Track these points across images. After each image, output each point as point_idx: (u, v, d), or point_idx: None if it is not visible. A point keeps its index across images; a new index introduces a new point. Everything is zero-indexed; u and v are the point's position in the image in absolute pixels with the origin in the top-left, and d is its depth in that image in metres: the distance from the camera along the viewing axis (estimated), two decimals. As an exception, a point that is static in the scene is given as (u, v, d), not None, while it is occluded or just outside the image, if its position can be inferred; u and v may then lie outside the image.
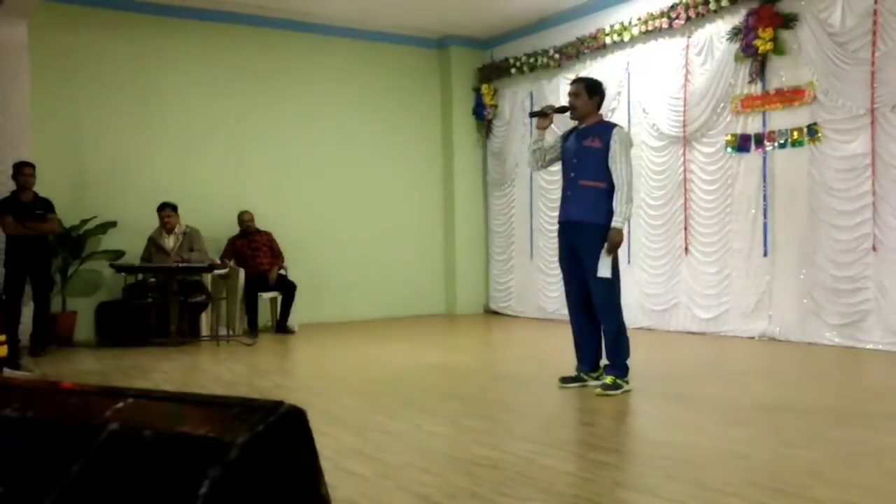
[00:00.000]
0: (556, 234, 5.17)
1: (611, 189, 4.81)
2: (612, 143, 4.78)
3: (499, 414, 4.39)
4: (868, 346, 6.24)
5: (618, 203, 4.75)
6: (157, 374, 5.88)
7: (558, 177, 8.68)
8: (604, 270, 4.73)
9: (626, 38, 8.22)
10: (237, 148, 8.95)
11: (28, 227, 6.83)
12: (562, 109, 5.09)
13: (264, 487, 0.90)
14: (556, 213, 5.12)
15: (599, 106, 5.01)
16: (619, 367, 4.81)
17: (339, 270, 9.50)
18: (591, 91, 4.93)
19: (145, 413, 0.96)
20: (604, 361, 4.96)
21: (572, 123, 5.08)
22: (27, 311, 7.02)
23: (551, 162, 5.18)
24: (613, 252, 4.76)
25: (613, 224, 4.73)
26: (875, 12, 6.20)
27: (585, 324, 4.97)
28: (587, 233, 4.80)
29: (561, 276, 5.17)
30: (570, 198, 4.91)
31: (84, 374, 6.03)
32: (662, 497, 2.78)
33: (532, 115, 5.19)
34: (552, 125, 5.20)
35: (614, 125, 4.99)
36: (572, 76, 8.82)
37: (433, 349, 7.11)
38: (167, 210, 7.82)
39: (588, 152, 4.84)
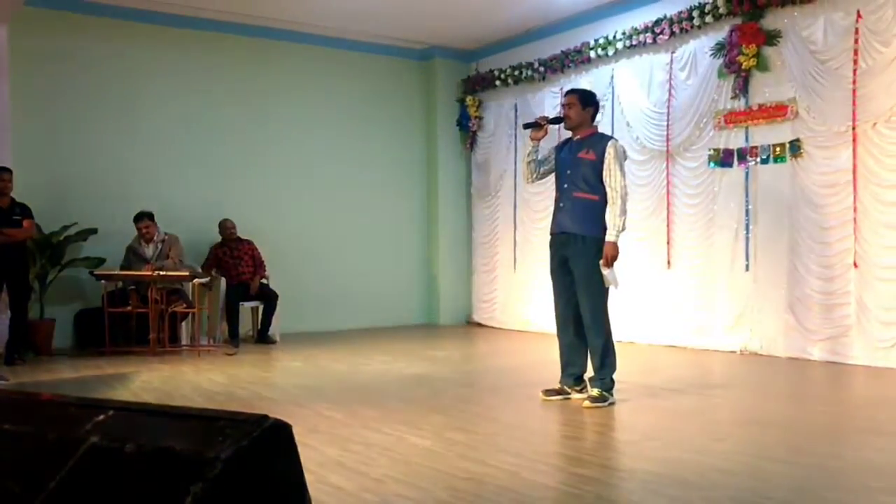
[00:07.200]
0: (540, 245, 5.17)
1: (604, 201, 4.82)
2: (606, 155, 4.78)
3: (482, 427, 4.37)
4: (849, 362, 6.27)
5: (611, 216, 4.76)
6: (137, 384, 5.81)
7: (542, 188, 8.81)
8: (611, 282, 4.77)
9: (611, 52, 8.27)
10: (219, 156, 8.90)
11: (2, 233, 6.73)
12: (556, 120, 5.09)
13: (248, 503, 0.88)
14: (541, 225, 5.12)
15: (594, 117, 5.02)
16: (606, 381, 4.81)
17: (321, 280, 9.46)
18: (584, 102, 4.95)
19: (127, 426, 0.94)
20: (589, 374, 4.96)
21: (567, 134, 5.08)
22: (3, 319, 6.92)
23: (546, 174, 5.16)
24: (611, 265, 4.76)
25: (608, 238, 4.74)
26: (856, 31, 6.27)
27: (572, 336, 4.96)
28: (580, 245, 4.81)
29: (546, 287, 5.16)
30: (563, 209, 4.91)
31: (62, 384, 5.95)
32: (646, 512, 2.77)
33: (526, 126, 5.16)
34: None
35: (609, 137, 4.99)
36: (557, 89, 8.88)
37: (416, 360, 7.08)
38: (144, 220, 7.75)
39: (582, 164, 4.84)
